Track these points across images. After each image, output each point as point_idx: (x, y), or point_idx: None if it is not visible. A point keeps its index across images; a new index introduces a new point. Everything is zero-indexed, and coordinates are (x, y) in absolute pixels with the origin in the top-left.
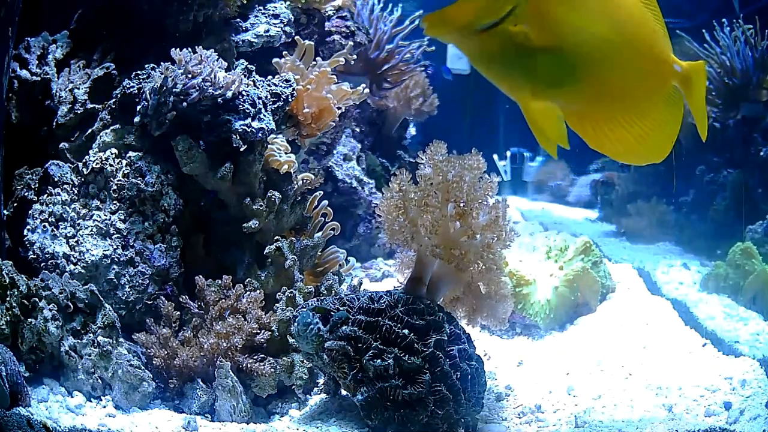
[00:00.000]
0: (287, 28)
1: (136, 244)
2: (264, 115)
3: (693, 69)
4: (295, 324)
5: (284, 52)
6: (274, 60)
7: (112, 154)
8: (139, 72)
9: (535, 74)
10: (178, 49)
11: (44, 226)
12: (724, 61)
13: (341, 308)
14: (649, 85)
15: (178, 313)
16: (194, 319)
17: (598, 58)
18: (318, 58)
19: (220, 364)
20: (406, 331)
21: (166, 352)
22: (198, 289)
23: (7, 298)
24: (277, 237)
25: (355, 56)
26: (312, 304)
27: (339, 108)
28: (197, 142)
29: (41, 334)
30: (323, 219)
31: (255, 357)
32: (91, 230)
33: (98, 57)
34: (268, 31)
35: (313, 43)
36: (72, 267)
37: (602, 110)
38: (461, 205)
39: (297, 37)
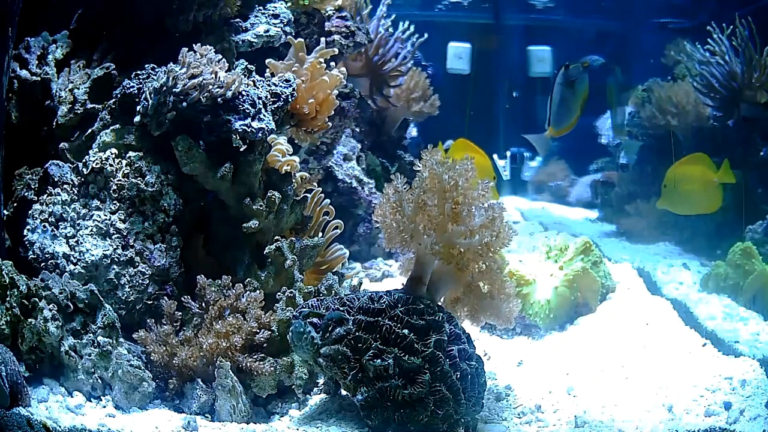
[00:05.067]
0: (287, 28)
1: (136, 244)
2: (264, 115)
3: None
4: (290, 334)
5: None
6: (268, 60)
7: (112, 154)
8: (139, 72)
9: None
10: (186, 49)
11: (44, 226)
12: (724, 63)
13: (340, 308)
14: None
15: (180, 313)
16: (195, 319)
17: None
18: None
19: (220, 364)
20: (406, 331)
21: (164, 349)
22: (199, 287)
23: (7, 298)
24: (277, 237)
25: (357, 58)
26: (310, 306)
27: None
28: (197, 142)
29: (41, 334)
30: (326, 218)
31: (255, 356)
32: (91, 230)
33: (98, 57)
34: (268, 31)
35: (302, 40)
36: (72, 267)
37: None
38: (458, 207)
39: (290, 38)
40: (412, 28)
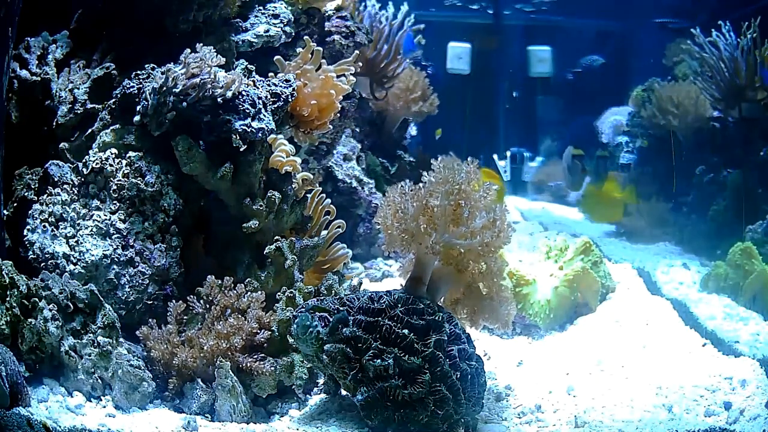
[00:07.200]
0: (287, 28)
1: (136, 244)
2: (264, 115)
3: None
4: (294, 326)
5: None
6: (276, 57)
7: (112, 154)
8: (139, 72)
9: None
10: (188, 50)
11: (44, 226)
12: (727, 62)
13: (341, 308)
14: None
15: (185, 316)
16: (196, 319)
17: None
18: (323, 61)
19: (220, 364)
20: (406, 331)
21: (165, 347)
22: (206, 286)
23: (7, 298)
24: (277, 237)
25: (361, 64)
26: (311, 305)
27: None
28: (197, 142)
29: (41, 334)
30: (327, 218)
31: (255, 356)
32: (91, 230)
33: (98, 57)
34: (268, 31)
35: (321, 49)
36: (72, 267)
37: None
38: (459, 208)
39: (306, 38)
40: (412, 17)
